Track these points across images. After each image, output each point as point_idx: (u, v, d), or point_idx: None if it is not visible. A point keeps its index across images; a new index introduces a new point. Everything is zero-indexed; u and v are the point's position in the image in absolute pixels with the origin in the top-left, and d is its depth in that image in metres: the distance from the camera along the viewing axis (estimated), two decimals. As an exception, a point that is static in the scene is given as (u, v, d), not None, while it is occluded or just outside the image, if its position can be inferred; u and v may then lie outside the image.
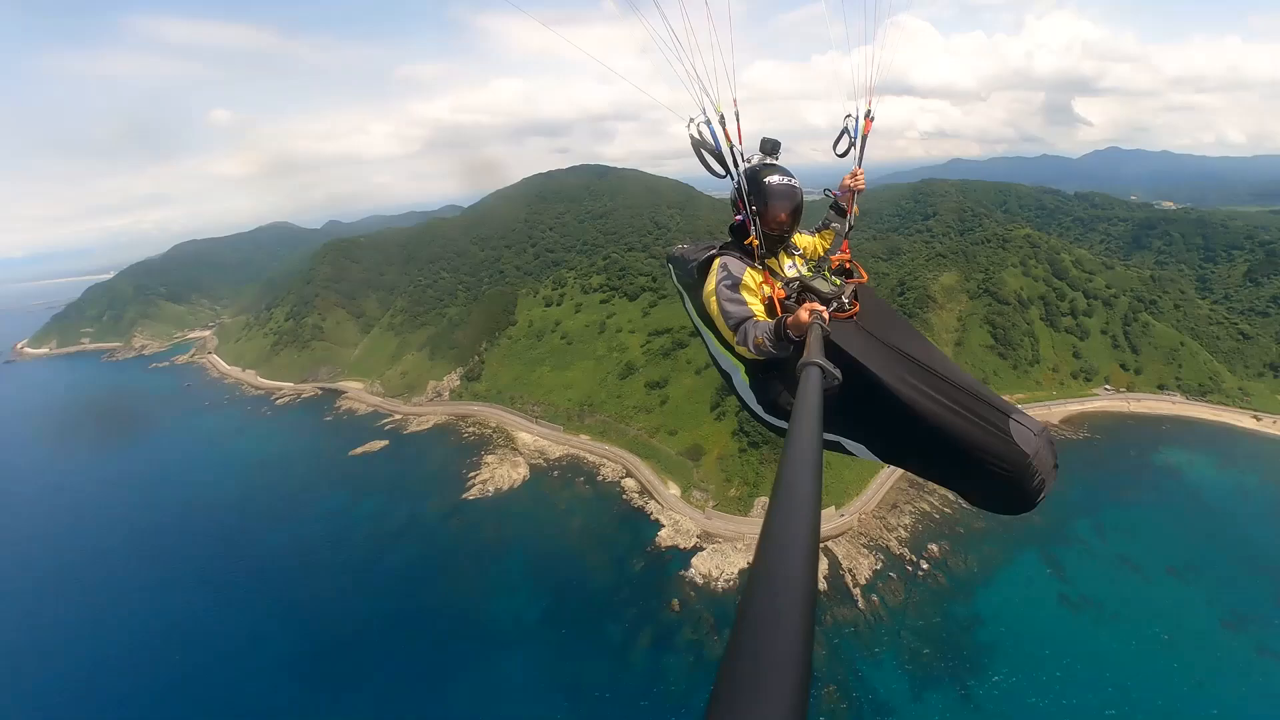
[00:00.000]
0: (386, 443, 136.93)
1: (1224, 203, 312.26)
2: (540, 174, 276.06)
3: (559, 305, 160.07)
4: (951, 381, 5.21)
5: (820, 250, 7.40)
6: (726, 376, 6.76)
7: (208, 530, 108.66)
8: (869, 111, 6.88)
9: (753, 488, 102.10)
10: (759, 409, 6.32)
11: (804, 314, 5.02)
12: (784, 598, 1.53)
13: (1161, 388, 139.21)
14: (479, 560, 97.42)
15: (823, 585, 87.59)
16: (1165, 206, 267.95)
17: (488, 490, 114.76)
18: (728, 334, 5.98)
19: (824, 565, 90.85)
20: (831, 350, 5.02)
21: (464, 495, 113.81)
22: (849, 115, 6.82)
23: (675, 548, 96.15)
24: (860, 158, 7.03)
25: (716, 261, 6.29)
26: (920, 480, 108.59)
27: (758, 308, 5.92)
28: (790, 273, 6.36)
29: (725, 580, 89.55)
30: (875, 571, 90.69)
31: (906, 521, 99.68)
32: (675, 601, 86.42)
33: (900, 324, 5.99)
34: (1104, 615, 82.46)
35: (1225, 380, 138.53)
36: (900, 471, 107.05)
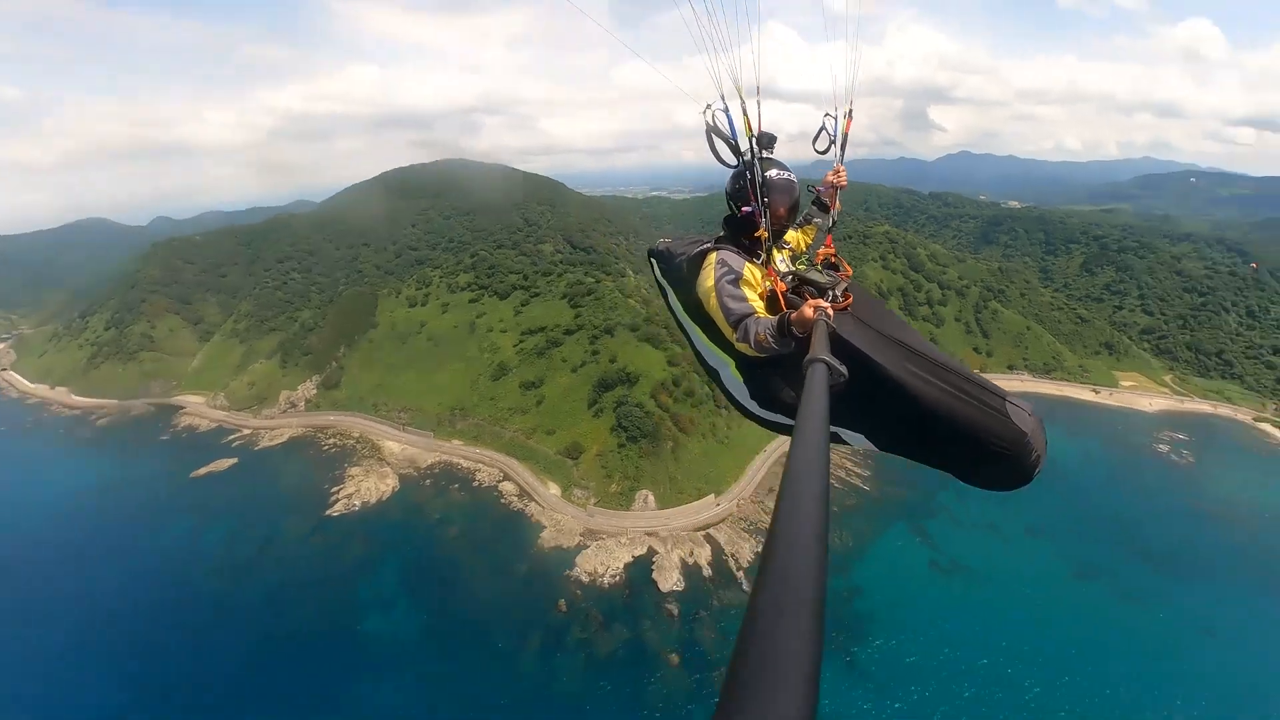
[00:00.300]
0: (235, 460, 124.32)
1: (1063, 202, 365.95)
2: (401, 168, 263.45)
3: (424, 305, 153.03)
4: (949, 367, 5.18)
5: (804, 245, 7.33)
6: (714, 373, 6.54)
7: (14, 581, 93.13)
8: (849, 110, 6.97)
9: (633, 482, 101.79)
10: (752, 405, 6.20)
11: (808, 310, 4.95)
12: (793, 597, 1.54)
13: (1011, 368, 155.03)
14: (349, 580, 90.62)
15: (707, 572, 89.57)
16: (1011, 206, 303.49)
17: (354, 505, 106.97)
18: (727, 330, 5.79)
19: (707, 552, 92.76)
20: (835, 342, 4.94)
21: (327, 512, 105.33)
22: (828, 114, 6.83)
23: (559, 548, 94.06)
24: (842, 155, 7.14)
25: (713, 256, 6.13)
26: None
27: (758, 304, 5.78)
28: (782, 267, 6.29)
29: (611, 576, 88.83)
30: (756, 554, 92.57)
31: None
32: (562, 602, 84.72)
33: (889, 314, 5.92)
34: (972, 576, 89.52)
35: (1067, 359, 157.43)
36: (776, 456, 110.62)
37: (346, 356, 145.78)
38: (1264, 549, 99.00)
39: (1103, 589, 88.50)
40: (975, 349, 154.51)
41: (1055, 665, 76.22)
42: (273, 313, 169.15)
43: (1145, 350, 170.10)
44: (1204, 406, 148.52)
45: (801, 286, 5.88)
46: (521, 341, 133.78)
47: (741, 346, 5.62)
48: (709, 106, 5.89)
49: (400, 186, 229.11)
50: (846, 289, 5.85)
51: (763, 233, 6.03)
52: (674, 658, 76.78)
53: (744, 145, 6.08)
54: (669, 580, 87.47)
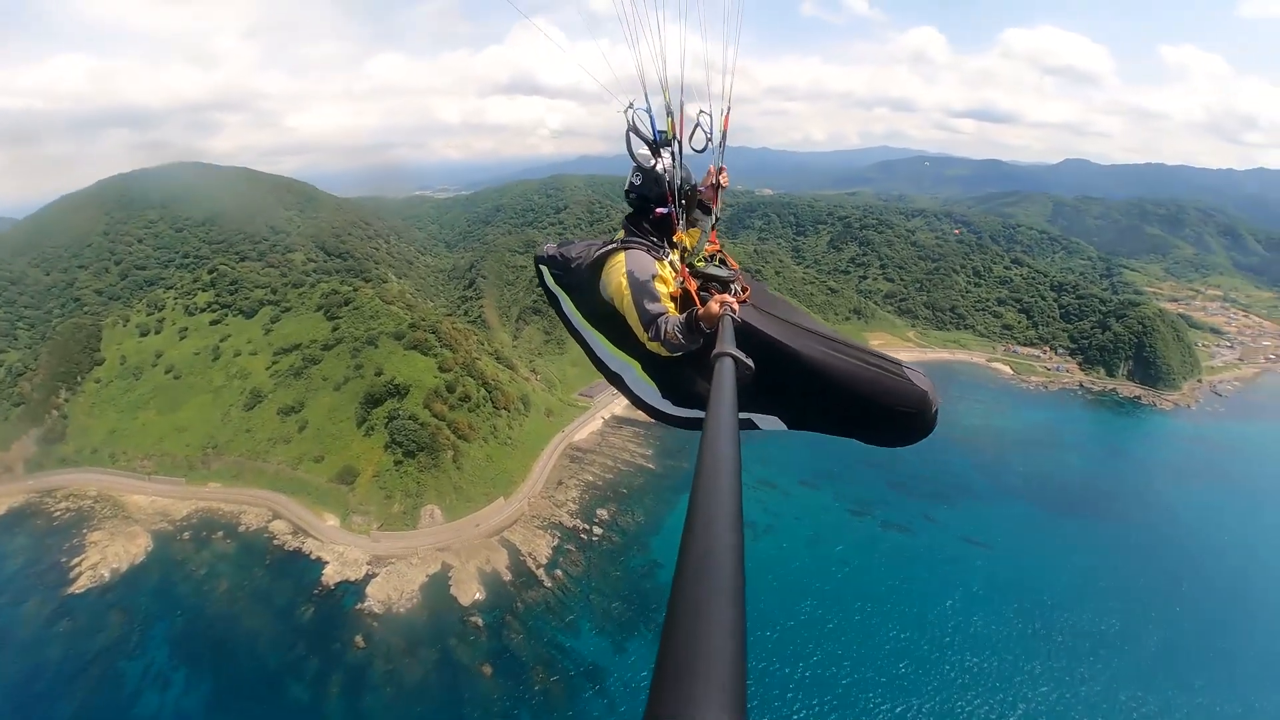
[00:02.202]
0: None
1: (811, 188, 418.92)
2: (123, 174, 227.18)
3: (159, 333, 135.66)
4: (849, 342, 5.51)
5: (690, 244, 6.96)
6: (617, 378, 6.62)
7: None
8: (726, 108, 6.87)
9: (416, 499, 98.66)
10: (664, 404, 6.34)
11: (714, 305, 5.10)
12: (712, 587, 1.55)
13: None
14: (111, 661, 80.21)
15: (507, 576, 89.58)
16: (765, 193, 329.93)
17: (101, 575, 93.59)
18: (639, 330, 5.71)
19: (504, 557, 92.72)
20: (745, 332, 5.18)
21: (70, 590, 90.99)
22: (702, 111, 6.69)
23: (346, 581, 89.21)
24: (721, 153, 7.03)
25: (621, 256, 6.06)
26: (579, 453, 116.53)
27: (669, 305, 5.79)
28: (679, 264, 6.29)
29: (407, 600, 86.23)
30: (554, 548, 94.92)
31: (574, 494, 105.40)
32: (359, 638, 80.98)
33: (782, 301, 6.15)
34: (759, 530, 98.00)
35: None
36: (562, 449, 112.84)
37: (70, 402, 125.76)
38: (1005, 465, 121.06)
39: (876, 521, 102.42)
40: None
41: (846, 594, 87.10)
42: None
43: (890, 313, 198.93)
44: (944, 354, 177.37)
45: (706, 283, 5.92)
46: (275, 363, 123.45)
47: (653, 346, 5.62)
48: (631, 105, 5.95)
49: (123, 196, 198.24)
50: (745, 283, 5.96)
51: (680, 236, 6.15)
52: (487, 669, 76.93)
53: (670, 148, 6.20)
54: (469, 593, 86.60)
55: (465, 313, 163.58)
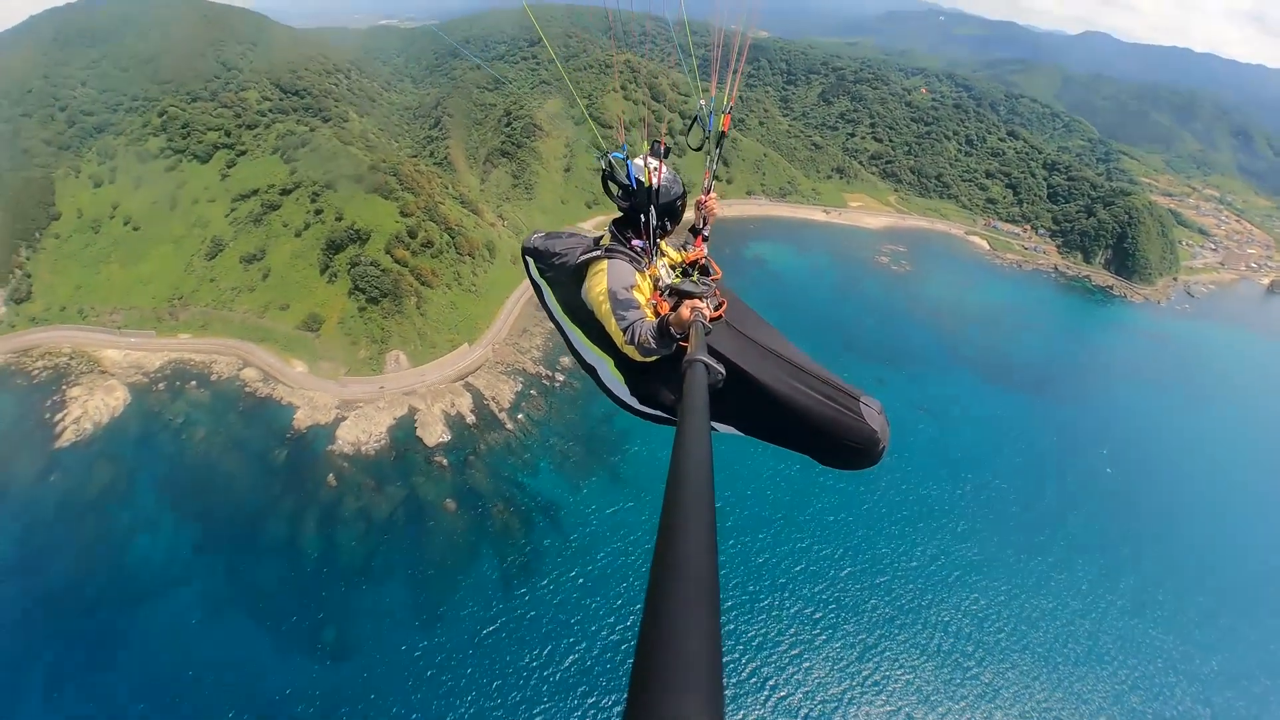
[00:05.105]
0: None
1: (813, 33, 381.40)
2: (59, 8, 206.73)
3: (113, 183, 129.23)
4: (810, 371, 5.63)
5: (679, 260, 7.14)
6: (591, 369, 6.83)
7: None
8: (729, 106, 7.13)
9: (381, 344, 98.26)
10: (632, 401, 6.51)
11: (685, 312, 5.26)
12: (690, 590, 1.56)
13: (749, 193, 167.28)
14: (103, 510, 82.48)
15: (471, 418, 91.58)
16: (760, 35, 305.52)
17: (85, 429, 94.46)
18: (617, 335, 5.90)
19: (468, 401, 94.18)
20: (711, 352, 5.23)
21: (57, 444, 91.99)
22: (705, 94, 6.97)
23: (316, 425, 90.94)
24: (716, 159, 7.37)
25: (604, 265, 6.29)
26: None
27: (647, 312, 5.97)
28: (661, 271, 6.47)
29: (375, 441, 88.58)
30: (517, 393, 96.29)
31: (538, 342, 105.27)
32: (331, 477, 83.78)
33: (755, 317, 6.27)
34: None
35: (801, 183, 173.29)
36: (527, 296, 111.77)
37: (32, 260, 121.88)
38: (964, 338, 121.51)
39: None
40: (716, 176, 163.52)
41: (784, 453, 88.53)
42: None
43: (874, 174, 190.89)
44: (922, 222, 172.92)
45: (678, 297, 5.96)
46: (233, 209, 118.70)
47: (629, 350, 5.80)
48: (605, 154, 6.35)
49: (60, 33, 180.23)
50: (720, 298, 6.00)
51: (654, 270, 6.30)
52: (451, 504, 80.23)
53: (645, 184, 6.34)
54: (434, 434, 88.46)
55: (431, 154, 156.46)
